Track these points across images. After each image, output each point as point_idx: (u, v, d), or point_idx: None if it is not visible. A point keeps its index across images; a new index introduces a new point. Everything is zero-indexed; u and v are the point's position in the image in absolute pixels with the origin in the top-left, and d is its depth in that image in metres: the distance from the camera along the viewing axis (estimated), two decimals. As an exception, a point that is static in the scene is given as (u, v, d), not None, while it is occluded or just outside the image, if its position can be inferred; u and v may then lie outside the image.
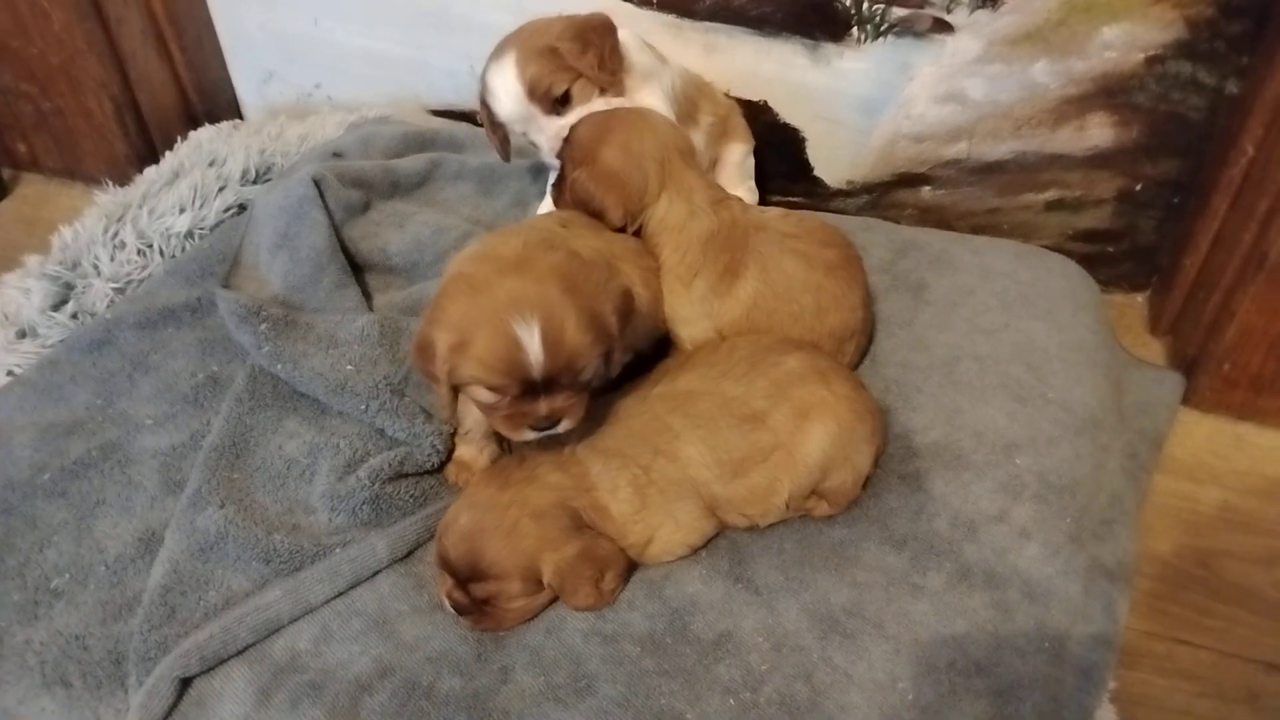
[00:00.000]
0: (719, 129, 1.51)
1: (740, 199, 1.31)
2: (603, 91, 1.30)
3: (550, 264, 0.95)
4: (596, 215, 1.19)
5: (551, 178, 1.33)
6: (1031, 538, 1.12)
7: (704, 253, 1.20)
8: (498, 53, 1.30)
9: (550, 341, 0.92)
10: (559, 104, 1.28)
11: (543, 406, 0.96)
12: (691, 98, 1.44)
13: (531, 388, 0.95)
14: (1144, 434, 1.38)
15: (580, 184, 1.19)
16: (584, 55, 1.26)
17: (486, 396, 0.95)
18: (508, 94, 1.28)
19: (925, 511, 1.15)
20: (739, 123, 1.56)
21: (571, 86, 1.27)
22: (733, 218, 1.23)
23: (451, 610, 1.02)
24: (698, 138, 1.46)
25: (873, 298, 1.36)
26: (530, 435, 1.00)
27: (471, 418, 1.12)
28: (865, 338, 1.33)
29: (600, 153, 1.19)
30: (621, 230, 1.20)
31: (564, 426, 0.99)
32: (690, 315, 1.21)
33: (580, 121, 1.24)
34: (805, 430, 1.07)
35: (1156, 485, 1.36)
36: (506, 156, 1.43)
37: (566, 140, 1.24)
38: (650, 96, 1.37)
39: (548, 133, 1.29)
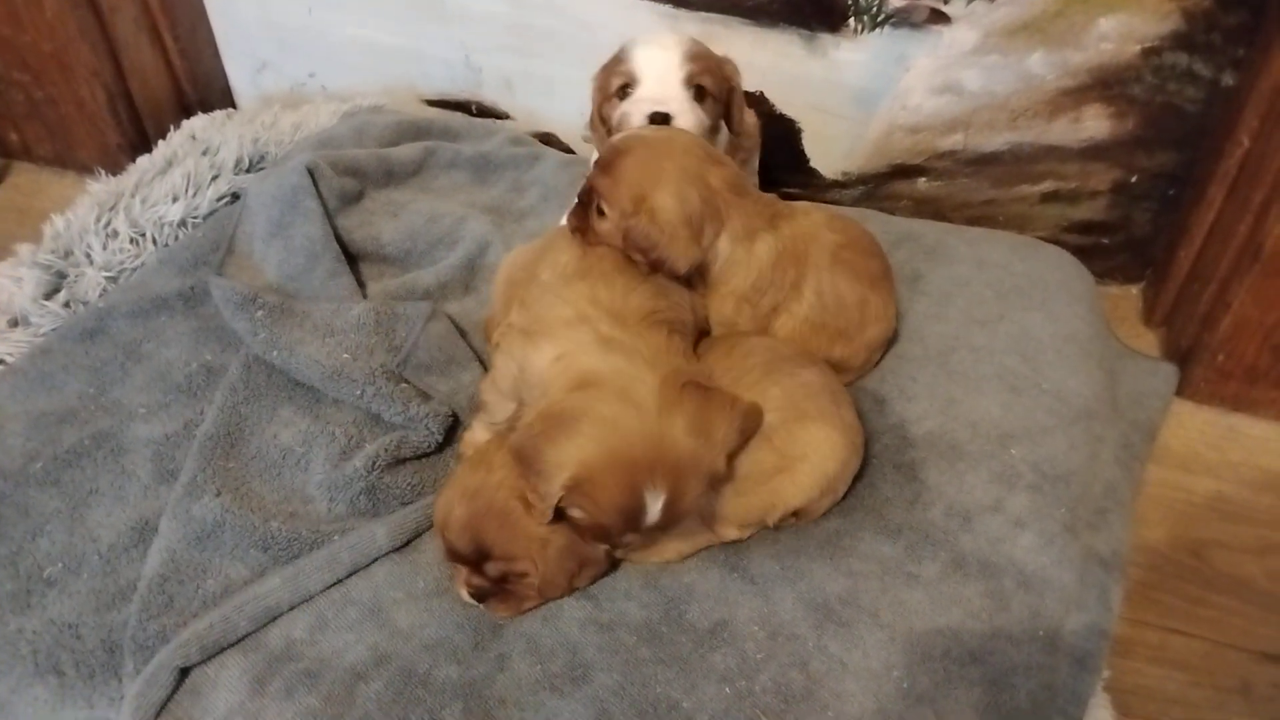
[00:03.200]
0: (744, 157, 1.51)
1: (787, 202, 1.27)
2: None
3: (688, 417, 0.93)
4: (654, 264, 1.09)
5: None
6: (1026, 527, 1.12)
7: (774, 272, 1.17)
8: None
9: (671, 507, 0.92)
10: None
11: (630, 539, 0.97)
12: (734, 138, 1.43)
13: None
14: (1138, 425, 1.38)
15: (639, 232, 1.08)
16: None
17: (583, 519, 0.95)
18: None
19: (920, 501, 1.15)
20: (758, 141, 1.56)
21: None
22: (793, 231, 1.19)
23: (475, 602, 1.01)
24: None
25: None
26: (601, 549, 1.00)
27: (505, 413, 1.11)
28: (891, 344, 1.33)
29: (656, 196, 1.09)
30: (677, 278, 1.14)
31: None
32: (749, 329, 1.20)
33: (623, 153, 1.12)
34: (810, 460, 1.06)
35: (1150, 476, 1.36)
36: None
37: (605, 171, 1.11)
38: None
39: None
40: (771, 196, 1.22)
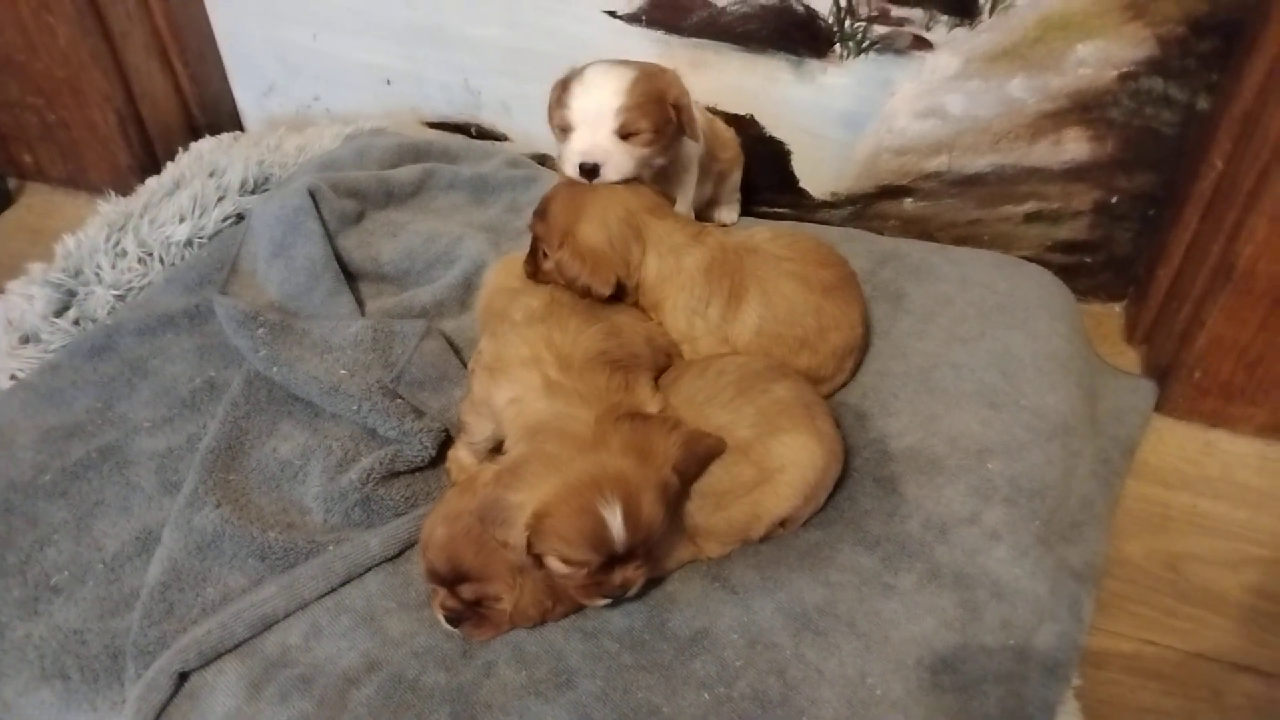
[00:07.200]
0: (725, 171, 1.58)
1: (716, 225, 1.37)
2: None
3: (622, 440, 0.99)
4: (584, 291, 1.19)
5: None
6: (1001, 539, 1.15)
7: (708, 281, 1.23)
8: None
9: (630, 517, 0.95)
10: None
11: (617, 577, 1.00)
12: (710, 149, 1.47)
13: (609, 561, 0.98)
14: (1117, 440, 1.41)
15: (565, 265, 1.19)
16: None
17: (563, 568, 0.99)
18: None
19: (898, 514, 1.18)
20: (739, 156, 1.61)
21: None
22: (719, 243, 1.26)
23: (448, 625, 1.04)
24: (706, 185, 1.51)
25: (869, 312, 1.39)
26: (602, 602, 1.03)
27: (483, 433, 1.16)
28: (863, 352, 1.36)
29: (578, 230, 1.20)
30: (615, 299, 1.22)
31: (632, 592, 1.03)
32: (711, 344, 1.25)
33: (551, 199, 1.25)
34: (788, 470, 1.10)
35: (1129, 490, 1.38)
36: None
37: (540, 217, 1.24)
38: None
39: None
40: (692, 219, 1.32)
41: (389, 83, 1.91)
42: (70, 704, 1.03)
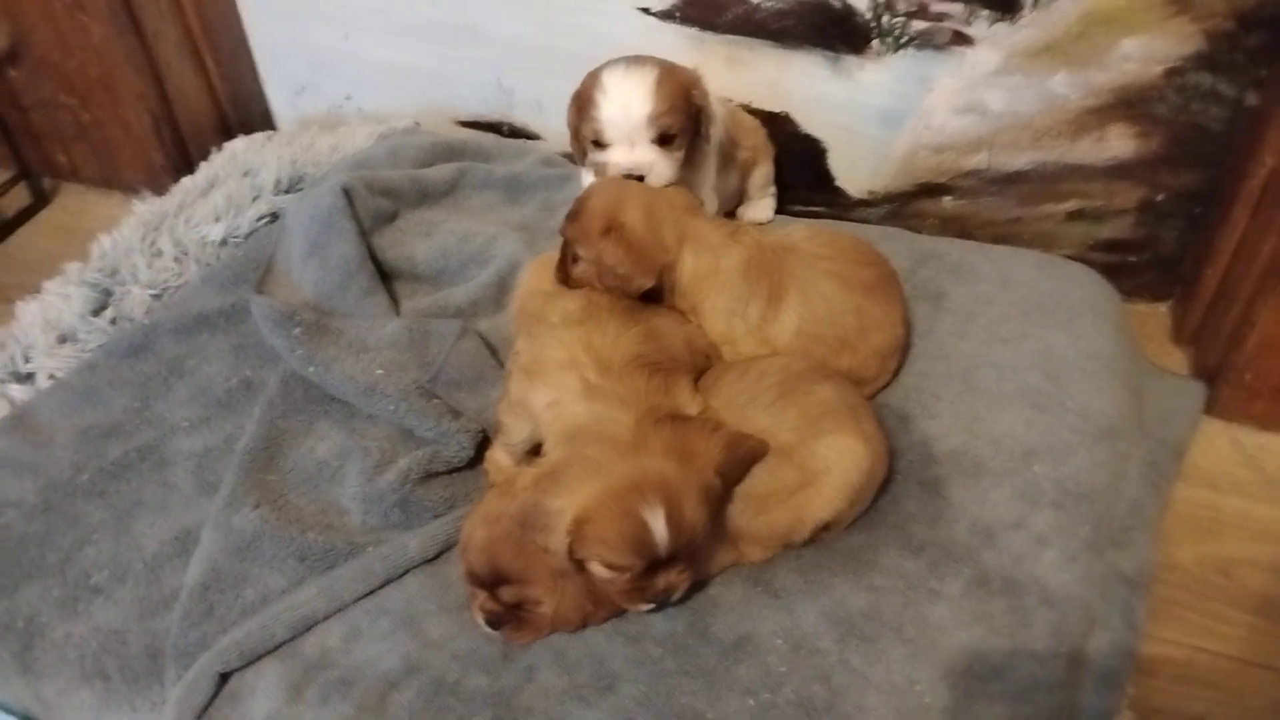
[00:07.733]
0: (750, 160, 1.55)
1: (752, 225, 1.36)
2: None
3: (664, 443, 0.97)
4: (620, 282, 1.17)
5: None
6: (1049, 545, 1.13)
7: (746, 281, 1.22)
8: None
9: (673, 521, 0.94)
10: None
11: (661, 582, 0.98)
12: (732, 137, 1.46)
13: (652, 565, 0.97)
14: (1165, 443, 1.38)
15: (608, 253, 1.17)
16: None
17: (606, 574, 0.97)
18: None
19: (944, 518, 1.16)
20: (765, 146, 1.59)
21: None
22: (757, 242, 1.25)
23: (487, 628, 1.03)
24: (730, 176, 1.49)
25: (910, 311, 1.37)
26: (645, 607, 1.02)
27: (520, 435, 1.15)
28: (905, 353, 1.34)
29: (624, 218, 1.19)
30: (652, 298, 1.20)
31: (676, 596, 1.01)
32: (751, 345, 1.23)
33: (589, 194, 1.24)
34: (833, 473, 1.08)
35: (1178, 494, 1.35)
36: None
37: (572, 219, 1.22)
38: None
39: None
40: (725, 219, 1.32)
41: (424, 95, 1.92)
42: (110, 704, 1.03)
